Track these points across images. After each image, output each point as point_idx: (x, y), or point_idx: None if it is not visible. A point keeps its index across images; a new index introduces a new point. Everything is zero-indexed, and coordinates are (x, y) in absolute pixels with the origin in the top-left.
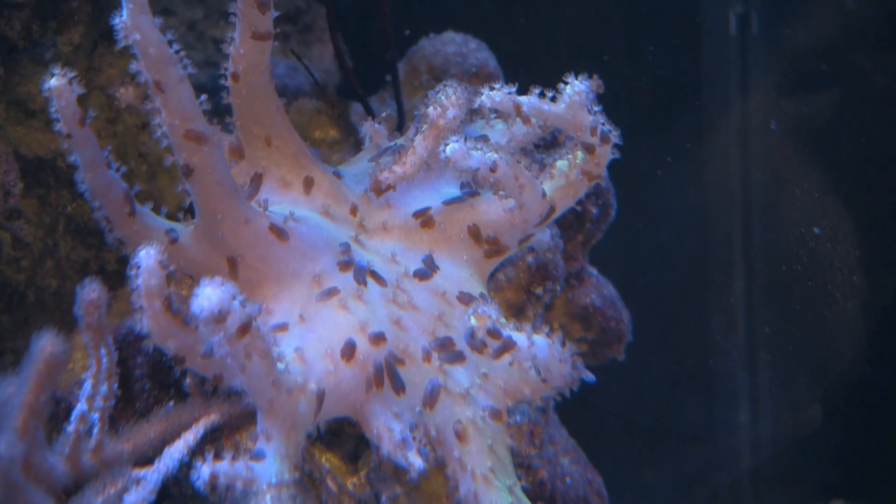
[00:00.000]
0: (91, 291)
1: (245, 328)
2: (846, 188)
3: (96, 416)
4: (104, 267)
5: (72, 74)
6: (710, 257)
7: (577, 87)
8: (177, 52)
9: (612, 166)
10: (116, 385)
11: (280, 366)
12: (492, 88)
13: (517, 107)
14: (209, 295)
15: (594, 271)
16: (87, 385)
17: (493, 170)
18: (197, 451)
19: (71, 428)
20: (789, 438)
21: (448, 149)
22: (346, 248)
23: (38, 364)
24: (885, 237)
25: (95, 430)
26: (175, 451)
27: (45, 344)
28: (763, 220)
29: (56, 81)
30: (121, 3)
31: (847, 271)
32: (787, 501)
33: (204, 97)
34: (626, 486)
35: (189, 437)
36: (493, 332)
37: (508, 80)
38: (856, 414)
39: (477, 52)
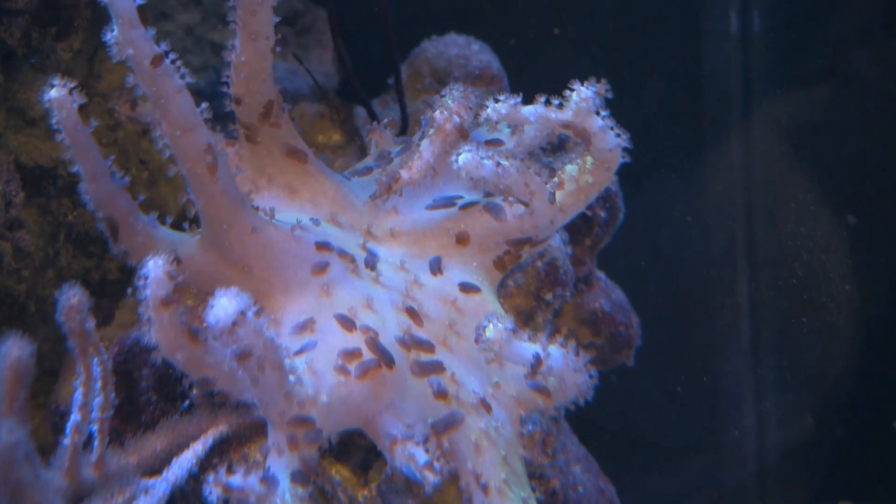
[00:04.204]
0: (72, 297)
1: (258, 340)
2: (843, 192)
3: (94, 427)
4: (106, 276)
5: (72, 84)
6: (713, 261)
7: (583, 94)
8: (173, 61)
9: (618, 169)
10: (113, 394)
11: (292, 378)
12: (496, 100)
13: (524, 118)
14: (225, 305)
15: (602, 275)
16: (78, 394)
17: (504, 177)
18: (206, 462)
19: (66, 440)
20: (790, 444)
21: (461, 159)
22: (353, 256)
23: (6, 370)
24: (877, 245)
25: (95, 442)
26: (184, 461)
27: (11, 348)
28: (765, 224)
29: (56, 93)
30: (111, 19)
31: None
32: None
33: (205, 105)
34: (632, 492)
35: (198, 448)
36: (507, 342)
37: (512, 80)
38: (850, 420)
39: (480, 54)
